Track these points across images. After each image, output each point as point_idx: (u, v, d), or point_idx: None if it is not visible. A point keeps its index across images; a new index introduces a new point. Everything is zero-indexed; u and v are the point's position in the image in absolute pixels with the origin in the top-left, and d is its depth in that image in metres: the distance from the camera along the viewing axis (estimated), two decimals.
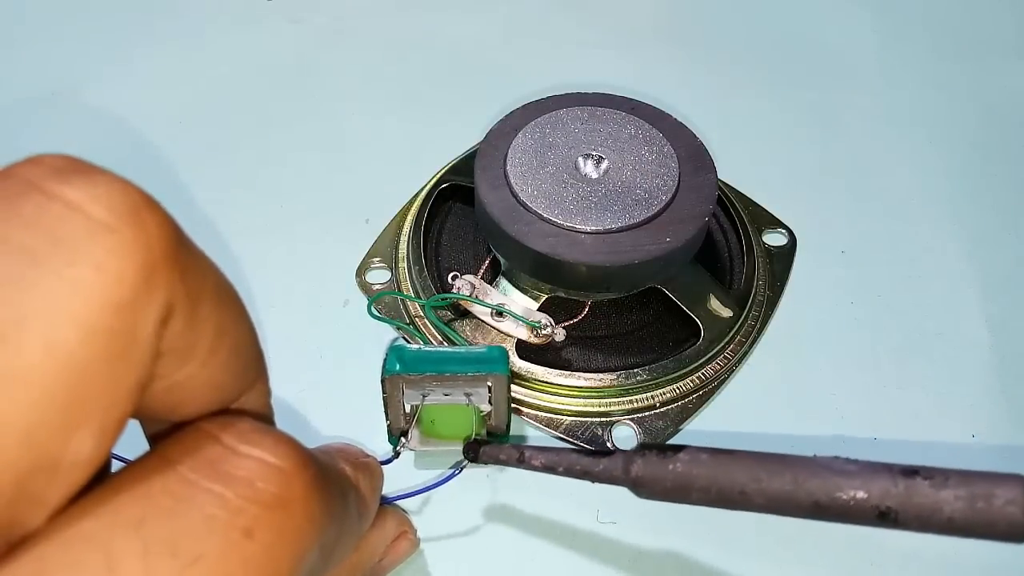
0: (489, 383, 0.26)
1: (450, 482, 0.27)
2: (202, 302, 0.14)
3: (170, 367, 0.14)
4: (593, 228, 0.30)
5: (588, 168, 0.32)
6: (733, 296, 0.34)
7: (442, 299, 0.32)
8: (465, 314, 0.33)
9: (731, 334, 0.33)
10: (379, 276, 0.36)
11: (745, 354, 0.34)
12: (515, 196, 0.31)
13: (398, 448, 0.27)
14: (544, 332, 0.31)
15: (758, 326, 0.34)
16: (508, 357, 0.27)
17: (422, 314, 0.34)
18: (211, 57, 0.47)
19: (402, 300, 0.35)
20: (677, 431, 0.31)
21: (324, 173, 0.41)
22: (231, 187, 0.40)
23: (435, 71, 0.47)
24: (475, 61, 0.47)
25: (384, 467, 0.24)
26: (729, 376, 0.33)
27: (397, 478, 0.28)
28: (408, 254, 0.36)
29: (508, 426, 0.28)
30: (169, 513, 0.13)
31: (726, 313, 0.33)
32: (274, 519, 0.14)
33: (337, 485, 0.18)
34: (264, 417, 0.18)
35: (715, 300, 0.33)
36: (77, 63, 0.46)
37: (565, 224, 0.30)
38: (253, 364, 0.17)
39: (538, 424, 0.31)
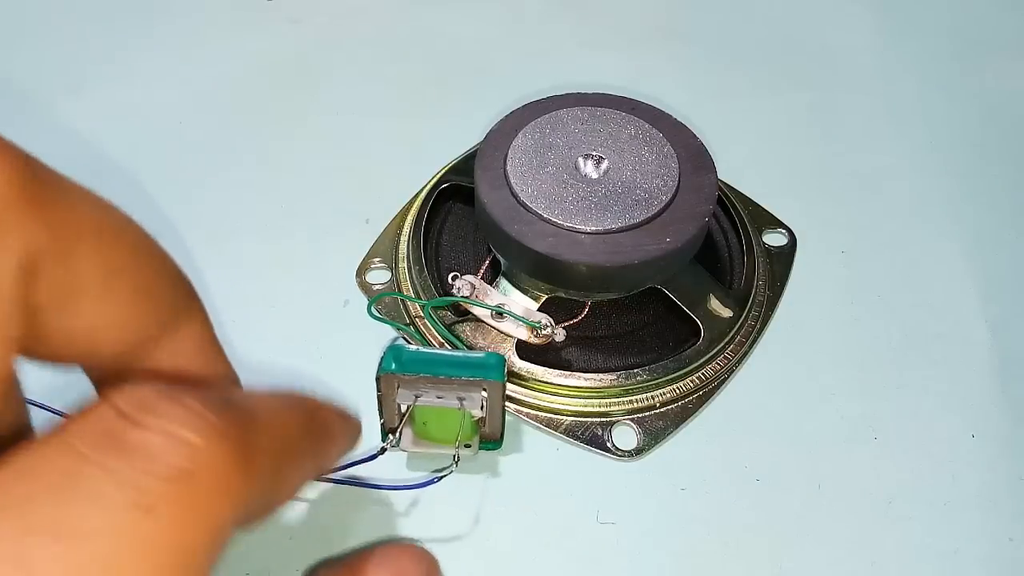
0: (484, 389, 0.26)
1: (449, 483, 0.27)
2: (79, 243, 0.13)
3: (58, 317, 0.13)
4: (593, 228, 0.30)
5: (588, 168, 0.32)
6: (733, 296, 0.34)
7: (442, 300, 0.32)
8: (465, 314, 0.33)
9: (731, 334, 0.33)
10: (379, 276, 0.36)
11: (745, 354, 0.34)
12: (515, 196, 0.31)
13: (384, 444, 0.26)
14: (544, 332, 0.31)
15: (758, 326, 0.34)
16: (505, 364, 0.27)
17: (422, 314, 0.34)
18: (211, 57, 0.47)
19: (402, 300, 0.35)
20: (677, 431, 0.32)
21: (324, 173, 0.41)
22: (231, 187, 0.40)
23: (435, 71, 0.47)
24: (475, 61, 0.47)
25: (370, 463, 0.24)
26: (729, 376, 0.33)
27: (391, 478, 0.28)
28: (408, 254, 0.36)
29: (502, 434, 0.28)
30: (55, 489, 0.12)
31: (726, 313, 0.33)
32: (179, 493, 0.12)
33: (273, 444, 0.16)
34: (203, 362, 0.17)
35: (715, 300, 0.33)
36: (77, 63, 0.46)
37: (565, 224, 0.30)
38: (171, 301, 0.16)
39: (538, 424, 0.31)
